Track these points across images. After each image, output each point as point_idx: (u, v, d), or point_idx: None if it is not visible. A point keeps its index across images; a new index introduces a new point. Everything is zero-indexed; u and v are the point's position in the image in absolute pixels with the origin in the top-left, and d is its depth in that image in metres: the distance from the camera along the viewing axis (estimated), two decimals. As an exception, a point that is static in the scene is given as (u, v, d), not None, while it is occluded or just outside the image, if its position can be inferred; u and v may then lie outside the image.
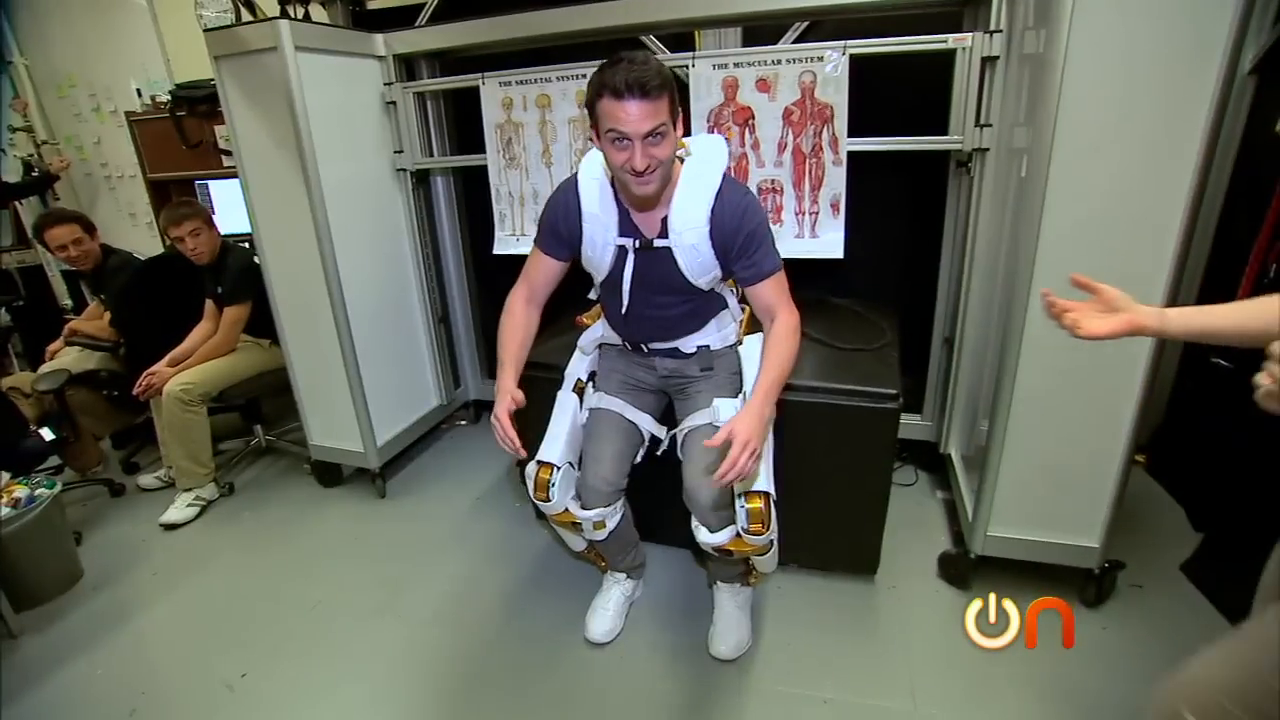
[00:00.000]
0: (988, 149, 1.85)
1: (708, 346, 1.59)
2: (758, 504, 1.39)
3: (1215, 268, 2.08)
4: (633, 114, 1.19)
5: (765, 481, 1.41)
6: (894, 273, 2.41)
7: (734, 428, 1.27)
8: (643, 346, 1.61)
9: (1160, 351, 1.48)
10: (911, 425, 2.37)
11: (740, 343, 1.61)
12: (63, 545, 2.10)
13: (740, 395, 1.53)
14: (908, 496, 2.34)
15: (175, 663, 1.81)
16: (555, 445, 1.57)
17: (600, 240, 1.44)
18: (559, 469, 1.54)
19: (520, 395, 1.45)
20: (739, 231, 1.38)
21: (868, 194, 2.22)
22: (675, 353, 1.59)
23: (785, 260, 2.13)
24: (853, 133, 1.96)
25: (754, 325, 1.60)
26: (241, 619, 1.96)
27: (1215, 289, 2.04)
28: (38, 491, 1.98)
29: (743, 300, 1.60)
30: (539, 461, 1.55)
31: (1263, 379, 0.78)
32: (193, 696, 1.68)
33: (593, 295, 1.69)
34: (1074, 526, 1.67)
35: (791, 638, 1.76)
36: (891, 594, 1.89)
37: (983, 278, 1.98)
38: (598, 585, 1.87)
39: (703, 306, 1.55)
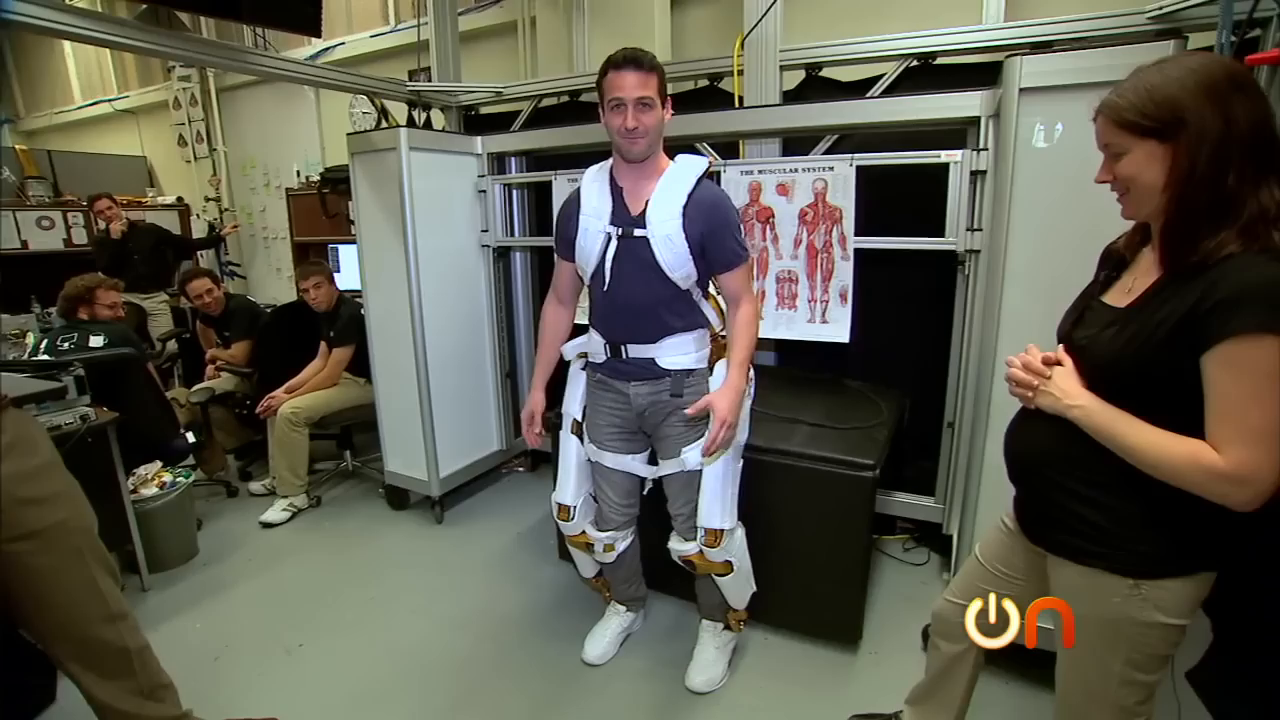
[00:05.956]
0: (979, 251, 2.05)
1: (682, 370, 1.65)
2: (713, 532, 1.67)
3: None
4: (628, 81, 1.46)
5: (720, 520, 1.65)
6: (914, 359, 2.57)
7: (713, 403, 1.50)
8: (622, 351, 1.66)
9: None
10: (925, 507, 2.46)
11: (711, 371, 1.68)
12: (188, 526, 2.63)
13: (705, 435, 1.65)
14: (915, 574, 2.42)
15: (252, 628, 2.21)
16: (567, 486, 1.83)
17: (593, 229, 1.61)
18: (575, 507, 1.83)
19: (541, 404, 1.80)
20: (710, 222, 1.54)
21: (894, 285, 2.43)
22: (651, 369, 1.65)
23: (798, 342, 2.38)
24: (875, 231, 2.23)
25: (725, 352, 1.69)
26: (309, 603, 2.35)
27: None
28: (177, 480, 2.52)
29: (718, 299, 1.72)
30: (558, 504, 1.85)
31: None
32: (261, 655, 2.07)
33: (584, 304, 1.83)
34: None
35: (764, 685, 1.90)
36: (871, 659, 1.99)
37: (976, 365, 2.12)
38: (602, 614, 2.10)
39: (679, 306, 1.63)
